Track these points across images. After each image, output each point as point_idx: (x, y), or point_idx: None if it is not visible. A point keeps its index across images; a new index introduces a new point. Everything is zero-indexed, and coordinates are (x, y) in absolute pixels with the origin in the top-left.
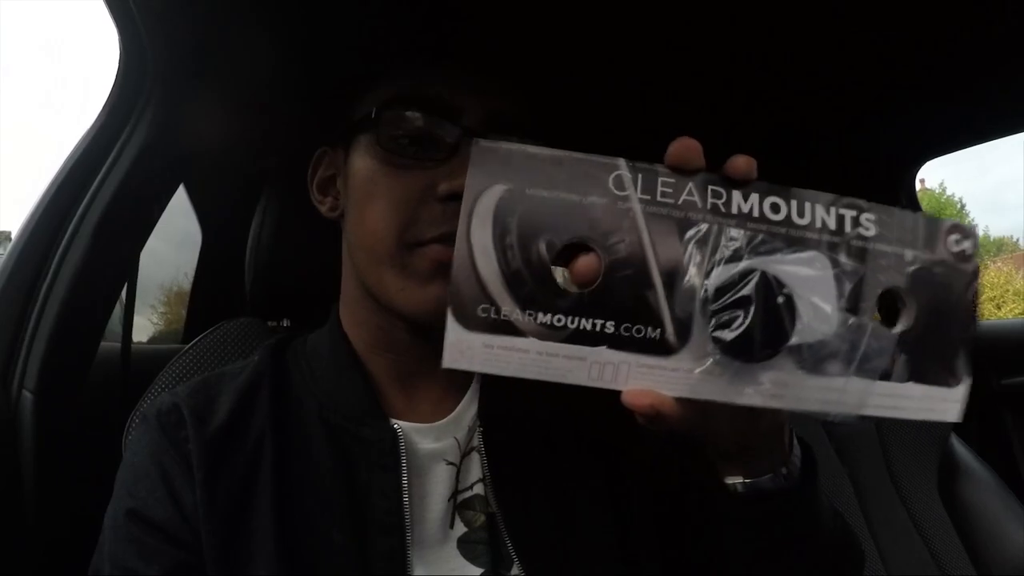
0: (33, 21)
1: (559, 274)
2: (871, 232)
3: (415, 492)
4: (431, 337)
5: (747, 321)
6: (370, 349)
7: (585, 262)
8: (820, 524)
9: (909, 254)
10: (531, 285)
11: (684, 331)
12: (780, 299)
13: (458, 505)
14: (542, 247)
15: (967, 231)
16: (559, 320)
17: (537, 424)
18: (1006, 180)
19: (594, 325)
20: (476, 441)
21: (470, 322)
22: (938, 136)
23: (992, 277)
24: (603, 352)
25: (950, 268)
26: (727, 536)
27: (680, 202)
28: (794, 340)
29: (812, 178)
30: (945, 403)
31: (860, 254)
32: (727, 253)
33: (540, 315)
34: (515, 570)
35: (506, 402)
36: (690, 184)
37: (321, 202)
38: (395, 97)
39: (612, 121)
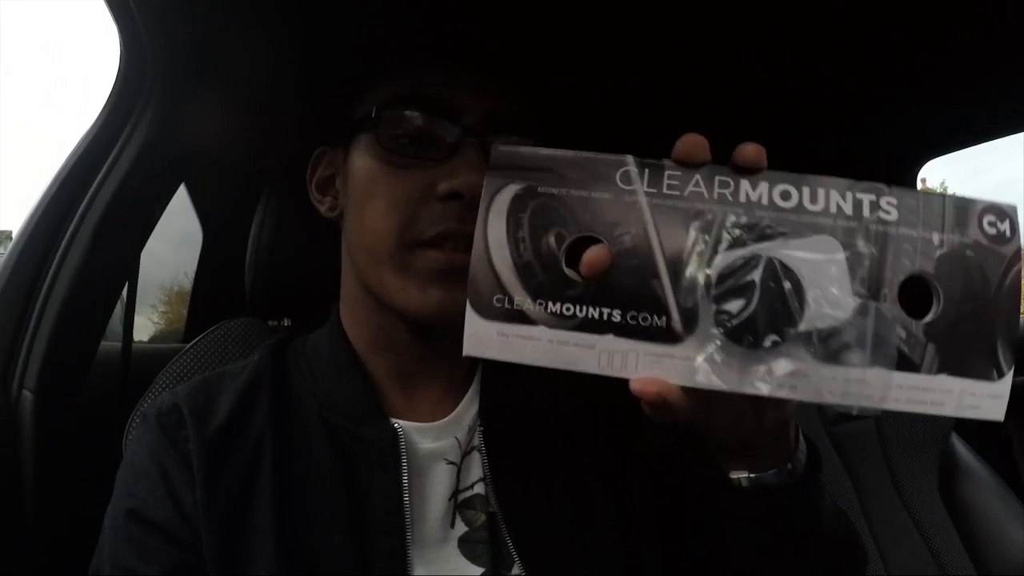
0: (33, 21)
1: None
2: (892, 216)
3: (415, 492)
4: (431, 337)
5: (751, 307)
6: (370, 349)
7: (593, 253)
8: (823, 521)
9: (936, 237)
10: (541, 276)
11: (690, 319)
12: (786, 284)
13: (459, 504)
14: (551, 240)
15: (1004, 211)
16: (568, 309)
17: (538, 423)
18: (1007, 180)
19: (601, 313)
20: (477, 440)
21: (486, 312)
22: (938, 136)
23: None
24: (611, 340)
25: (985, 251)
26: (729, 531)
27: (686, 194)
28: (803, 327)
29: None
30: (987, 399)
31: (880, 238)
32: (731, 240)
33: (550, 304)
34: (516, 570)
35: (506, 401)
36: (696, 176)
37: (320, 201)
38: (395, 97)
39: (612, 121)
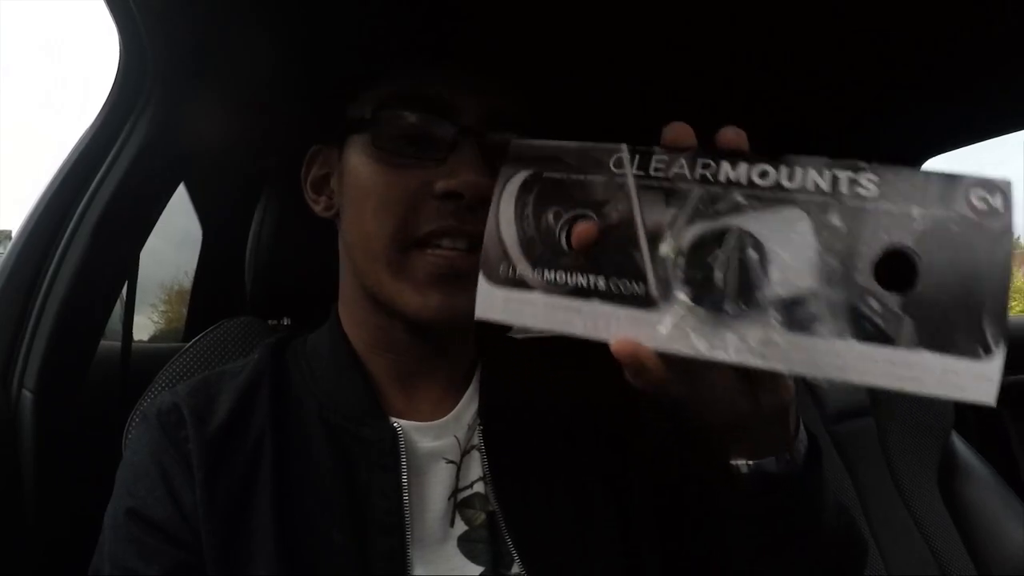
0: (33, 21)
1: None
2: (871, 192)
3: (415, 491)
4: (429, 337)
5: (717, 275)
6: (369, 349)
7: (582, 226)
8: (824, 518)
9: (917, 211)
10: (540, 248)
11: (664, 287)
12: (752, 253)
13: (458, 503)
14: (550, 217)
15: (996, 185)
16: (560, 276)
17: (537, 422)
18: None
19: (588, 281)
20: (476, 439)
21: (494, 279)
22: (938, 136)
23: None
24: (595, 305)
25: (972, 225)
26: (730, 529)
27: (670, 175)
28: (768, 294)
29: None
30: (973, 379)
31: (855, 213)
32: (704, 214)
33: (546, 272)
34: (516, 568)
35: (506, 400)
36: (681, 159)
37: (315, 201)
38: (392, 96)
39: (612, 121)
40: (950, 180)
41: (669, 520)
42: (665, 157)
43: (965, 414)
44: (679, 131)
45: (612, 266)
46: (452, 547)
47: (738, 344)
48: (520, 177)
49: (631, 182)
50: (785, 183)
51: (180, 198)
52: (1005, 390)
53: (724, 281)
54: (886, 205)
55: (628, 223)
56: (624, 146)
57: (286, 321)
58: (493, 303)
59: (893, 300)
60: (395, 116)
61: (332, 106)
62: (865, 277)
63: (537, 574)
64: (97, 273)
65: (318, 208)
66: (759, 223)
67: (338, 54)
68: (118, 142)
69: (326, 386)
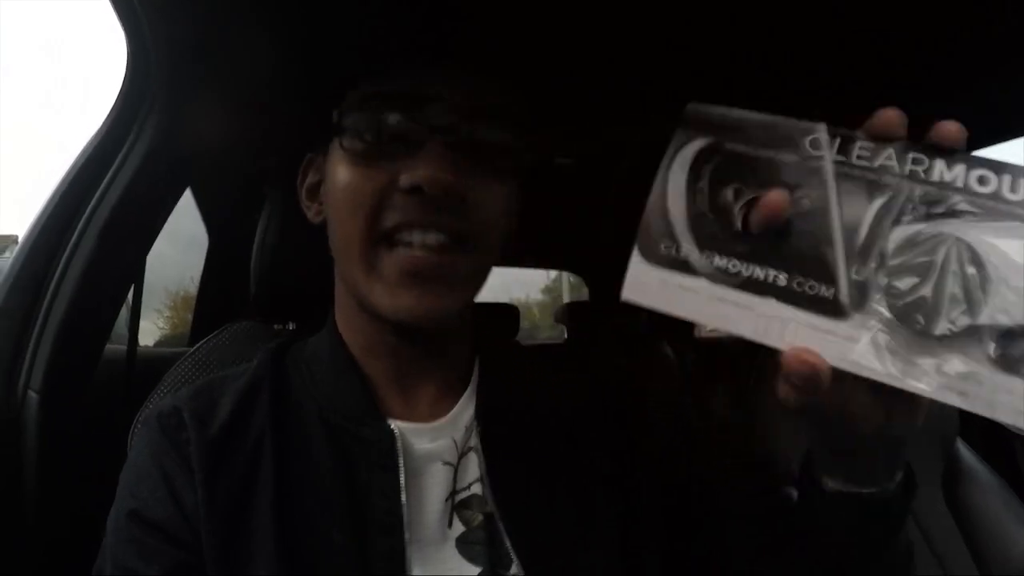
0: (33, 21)
1: None
2: None
3: (412, 492)
4: (416, 339)
5: (926, 286)
6: (365, 352)
7: (773, 198)
8: (890, 551)
9: None
10: (713, 227)
11: (859, 294)
12: (970, 269)
13: (456, 505)
14: (729, 194)
15: None
16: (733, 265)
17: (535, 423)
18: None
19: (767, 275)
20: (473, 441)
21: (652, 257)
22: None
23: None
24: (771, 304)
25: None
26: (734, 533)
27: (876, 166)
28: (983, 319)
29: None
30: None
31: None
32: (915, 215)
33: (716, 257)
34: (514, 569)
35: (504, 402)
36: (889, 150)
37: (309, 208)
38: (363, 98)
39: (612, 121)
40: None
41: (676, 520)
42: (870, 145)
43: (971, 420)
44: (890, 117)
45: (798, 261)
46: (450, 548)
47: (936, 374)
48: (696, 145)
49: (829, 167)
50: (1007, 194)
51: (185, 204)
52: None
53: (934, 295)
54: None
55: (822, 213)
56: (822, 126)
57: (291, 326)
58: (647, 284)
59: None
60: (364, 117)
61: (321, 112)
62: None
63: (535, 575)
64: (104, 276)
65: (311, 215)
66: (982, 235)
67: (341, 55)
68: (125, 146)
69: (325, 389)
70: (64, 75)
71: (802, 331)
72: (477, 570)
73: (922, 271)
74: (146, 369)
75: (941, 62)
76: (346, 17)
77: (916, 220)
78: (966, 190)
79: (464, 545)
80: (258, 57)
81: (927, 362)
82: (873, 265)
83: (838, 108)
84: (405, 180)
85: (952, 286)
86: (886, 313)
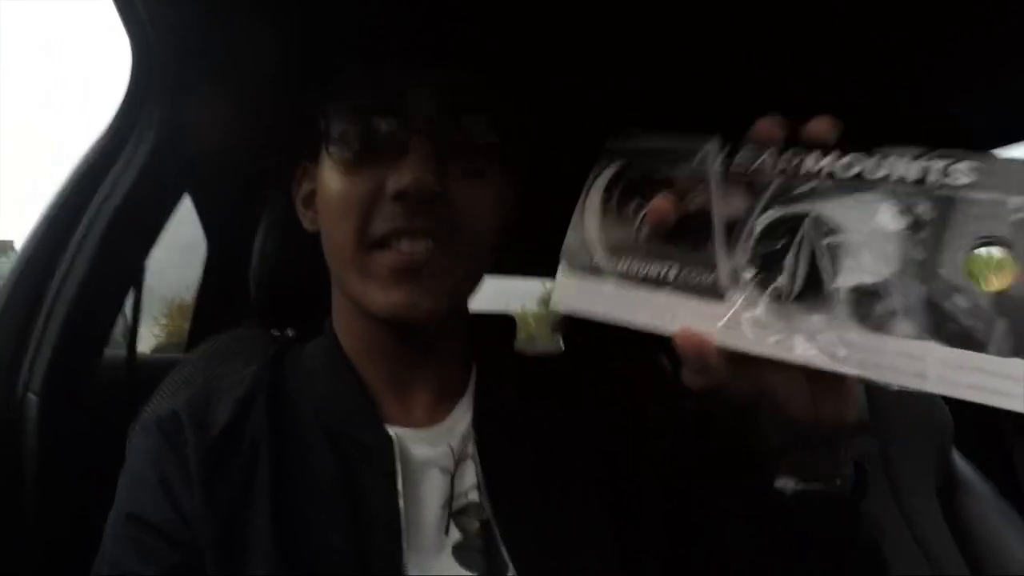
0: (33, 21)
1: None
2: (963, 180)
3: (410, 498)
4: (411, 340)
5: (788, 262)
6: (362, 355)
7: (656, 203)
8: (852, 544)
9: (1014, 201)
10: (618, 236)
11: (735, 277)
12: (827, 239)
13: (453, 512)
14: (632, 207)
15: None
16: (633, 265)
17: (533, 431)
18: None
19: (660, 270)
20: (470, 449)
21: (572, 267)
22: (940, 139)
23: None
24: (664, 295)
25: None
26: (746, 540)
27: (752, 168)
28: (841, 283)
29: None
30: None
31: (943, 202)
32: (782, 203)
33: (621, 261)
34: None
35: (501, 409)
36: (766, 152)
37: (304, 216)
38: (343, 104)
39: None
40: None
41: (675, 527)
42: (752, 151)
43: (967, 431)
44: (767, 125)
45: (686, 255)
46: (447, 555)
47: (805, 342)
48: (610, 171)
49: (713, 174)
50: (870, 174)
51: (183, 212)
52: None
53: (794, 268)
54: (979, 194)
55: (705, 214)
56: (714, 140)
57: (289, 332)
58: (569, 293)
59: (985, 298)
60: (348, 124)
61: (313, 120)
62: (952, 271)
63: None
64: (104, 279)
65: (307, 223)
66: (836, 208)
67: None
68: (127, 149)
69: (323, 393)
70: (64, 75)
71: (690, 315)
72: None
73: (783, 249)
74: (145, 374)
75: (942, 63)
76: (348, 17)
77: (781, 206)
78: (832, 176)
79: (461, 552)
80: (260, 59)
81: (799, 331)
82: (743, 251)
83: (839, 108)
84: (392, 186)
85: (813, 257)
86: (757, 292)
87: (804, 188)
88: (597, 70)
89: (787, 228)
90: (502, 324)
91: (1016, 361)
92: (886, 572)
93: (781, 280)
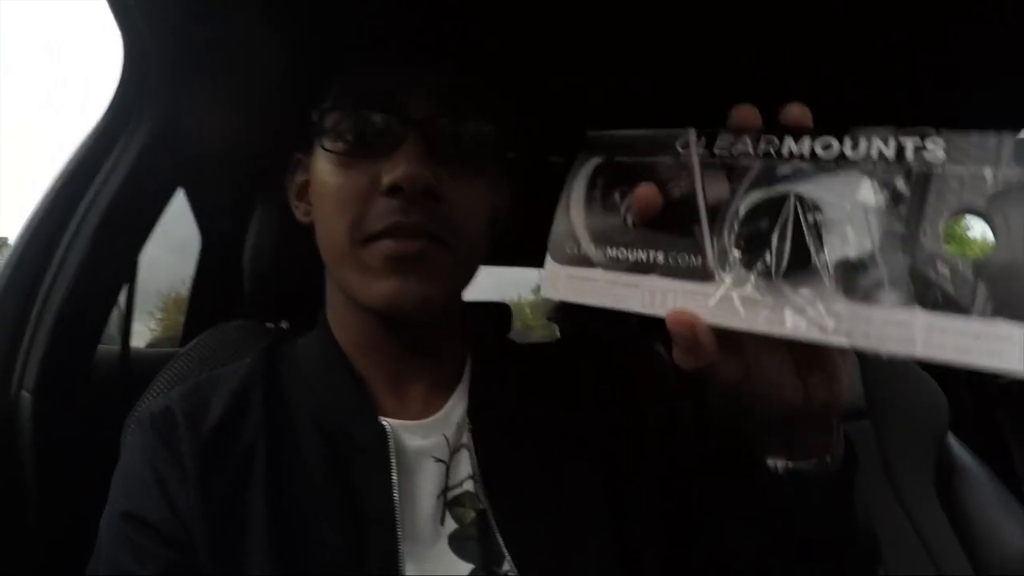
0: (33, 21)
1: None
2: (939, 155)
3: (405, 490)
4: (405, 332)
5: (772, 241)
6: (357, 349)
7: (641, 191)
8: (846, 524)
9: (989, 172)
10: (604, 225)
11: (722, 259)
12: (809, 218)
13: (448, 502)
14: (617, 196)
15: None
16: (621, 252)
17: (528, 421)
18: None
19: (648, 256)
20: (465, 438)
21: (559, 257)
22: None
23: None
24: (654, 280)
25: None
26: (740, 524)
27: (733, 152)
28: (826, 259)
29: None
30: None
31: (922, 177)
32: (765, 185)
33: (608, 249)
34: (506, 566)
35: (495, 399)
36: (745, 138)
37: (297, 208)
38: (338, 97)
39: (612, 121)
40: None
41: (675, 523)
42: (731, 137)
43: (963, 417)
44: (744, 113)
45: (672, 240)
46: (443, 545)
47: (795, 315)
48: (592, 163)
49: (695, 161)
50: (848, 153)
51: (177, 206)
52: (1002, 391)
53: (779, 246)
54: (955, 168)
55: (690, 199)
56: (692, 130)
57: (284, 324)
58: (557, 281)
59: (965, 265)
60: (342, 116)
61: (305, 111)
62: (932, 241)
63: (528, 572)
64: (97, 275)
65: (300, 215)
66: (817, 188)
67: (327, 54)
68: (119, 144)
69: (317, 387)
70: (64, 75)
71: (680, 297)
72: (470, 567)
73: (768, 228)
74: (140, 369)
75: (942, 62)
76: (344, 14)
77: (764, 188)
78: (811, 157)
79: (457, 542)
80: (254, 55)
81: (788, 306)
82: (729, 231)
83: (837, 108)
84: (386, 179)
85: (797, 234)
86: (745, 270)
87: (785, 170)
88: (596, 70)
89: (771, 209)
90: (497, 313)
91: (998, 320)
92: (880, 559)
93: (768, 258)
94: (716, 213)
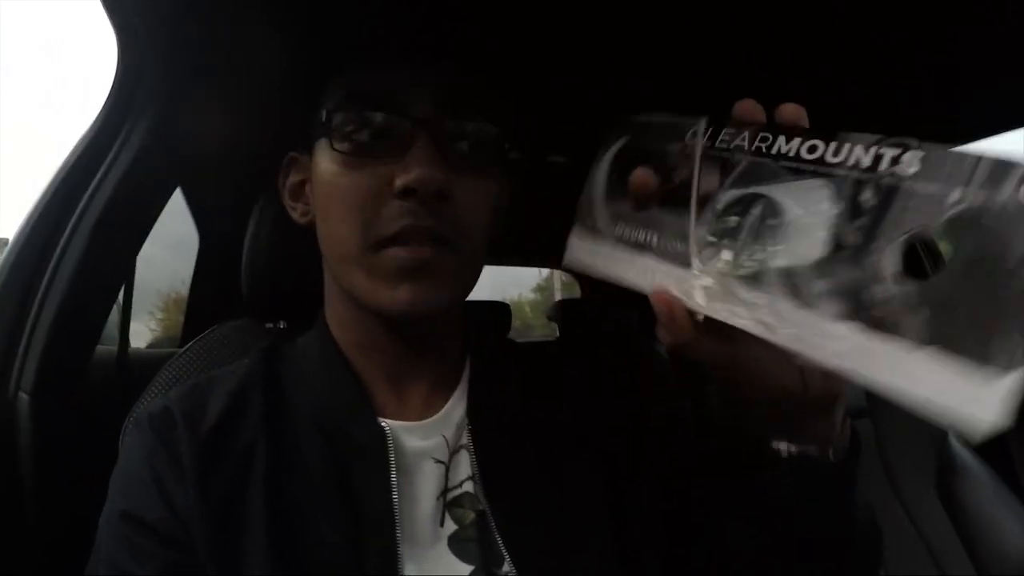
0: (33, 21)
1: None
2: (911, 170)
3: (404, 491)
4: (409, 334)
5: (738, 238)
6: (356, 349)
7: (637, 174)
8: (848, 515)
9: (955, 194)
10: (618, 204)
11: (700, 248)
12: (771, 221)
13: (448, 503)
14: (631, 178)
15: None
16: (627, 231)
17: (528, 421)
18: None
19: (646, 236)
20: (465, 439)
21: (582, 231)
22: (938, 134)
23: None
24: (647, 259)
25: (1013, 218)
26: (733, 535)
27: (732, 146)
28: (779, 263)
29: None
30: (978, 392)
31: (888, 191)
32: (743, 181)
33: (617, 226)
34: (506, 567)
35: (495, 400)
36: (745, 132)
37: (293, 208)
38: (346, 96)
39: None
40: (1003, 166)
41: (675, 523)
42: (732, 131)
43: None
44: (746, 107)
45: (667, 225)
46: (443, 546)
47: (748, 312)
48: (618, 144)
49: (698, 151)
50: (829, 158)
51: (176, 205)
52: None
53: (747, 244)
54: (923, 185)
55: (686, 187)
56: (703, 119)
57: (283, 324)
58: (579, 253)
59: (909, 286)
60: (348, 116)
61: (304, 110)
62: (883, 259)
63: (528, 573)
64: (95, 275)
65: (295, 215)
66: (786, 191)
67: (325, 54)
68: (116, 144)
69: (317, 387)
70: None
71: (664, 278)
72: (469, 568)
73: (736, 225)
74: (138, 369)
75: (941, 61)
76: (342, 13)
77: (743, 185)
78: (796, 158)
79: (456, 543)
80: (251, 54)
81: (745, 301)
82: (707, 224)
83: (839, 108)
84: (399, 182)
85: (759, 235)
86: (712, 262)
87: (767, 169)
88: (596, 70)
89: (743, 206)
90: (497, 313)
91: (929, 351)
92: (881, 556)
93: (726, 255)
94: (703, 204)
